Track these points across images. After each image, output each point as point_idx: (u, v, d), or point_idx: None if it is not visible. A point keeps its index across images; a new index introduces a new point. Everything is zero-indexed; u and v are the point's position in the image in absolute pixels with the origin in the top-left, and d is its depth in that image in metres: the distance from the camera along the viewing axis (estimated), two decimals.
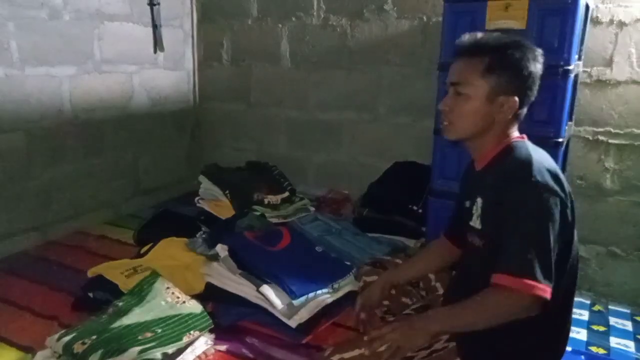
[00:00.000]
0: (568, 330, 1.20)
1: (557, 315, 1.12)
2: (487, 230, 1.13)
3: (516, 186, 1.05)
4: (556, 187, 1.04)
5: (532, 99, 1.15)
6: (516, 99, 1.11)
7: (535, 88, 1.14)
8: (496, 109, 1.12)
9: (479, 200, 1.15)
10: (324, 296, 1.59)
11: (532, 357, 1.15)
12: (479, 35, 1.16)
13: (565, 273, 1.10)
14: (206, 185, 2.35)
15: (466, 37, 1.17)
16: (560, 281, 1.06)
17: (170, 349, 1.33)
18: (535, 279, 1.00)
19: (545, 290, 1.00)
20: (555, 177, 1.06)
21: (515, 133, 1.18)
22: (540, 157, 1.09)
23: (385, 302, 1.51)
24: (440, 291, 1.45)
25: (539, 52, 1.14)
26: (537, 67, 1.12)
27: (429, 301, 1.44)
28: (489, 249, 1.11)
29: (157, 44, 2.68)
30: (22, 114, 2.09)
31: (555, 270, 1.03)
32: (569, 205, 1.07)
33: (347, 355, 1.22)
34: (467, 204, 1.24)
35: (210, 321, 1.47)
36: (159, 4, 2.62)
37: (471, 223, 1.17)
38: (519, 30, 1.66)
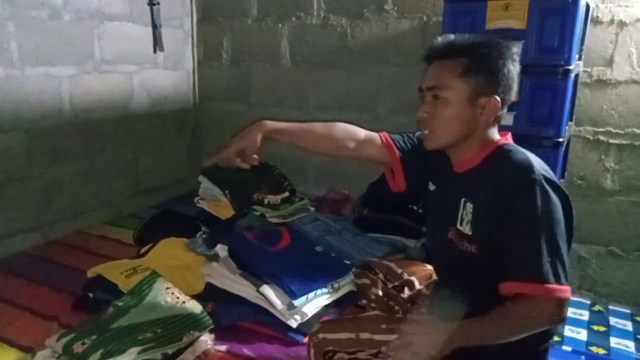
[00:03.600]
0: (553, 334, 1.17)
1: None
2: (480, 236, 1.10)
3: (520, 189, 1.02)
4: (559, 185, 1.04)
5: (512, 98, 1.12)
6: (498, 98, 1.08)
7: (514, 87, 1.11)
8: (478, 111, 1.09)
9: (469, 206, 1.11)
10: (324, 296, 1.59)
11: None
12: (452, 37, 1.13)
13: None
14: (206, 185, 2.35)
15: (439, 41, 1.13)
16: None
17: (170, 349, 1.33)
18: (558, 281, 0.97)
19: (567, 291, 0.98)
20: (553, 177, 1.05)
21: (497, 135, 1.15)
22: (537, 160, 1.07)
23: (372, 305, 1.51)
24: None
25: (515, 50, 1.11)
26: (514, 65, 1.09)
27: (414, 306, 1.44)
28: (485, 255, 1.08)
29: (157, 44, 2.68)
30: (22, 114, 2.09)
31: None
32: (570, 203, 1.06)
33: (330, 336, 1.22)
34: (432, 187, 1.24)
35: (210, 321, 1.47)
36: (158, 3, 2.62)
37: (459, 227, 1.13)
38: (519, 30, 1.66)
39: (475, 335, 1.04)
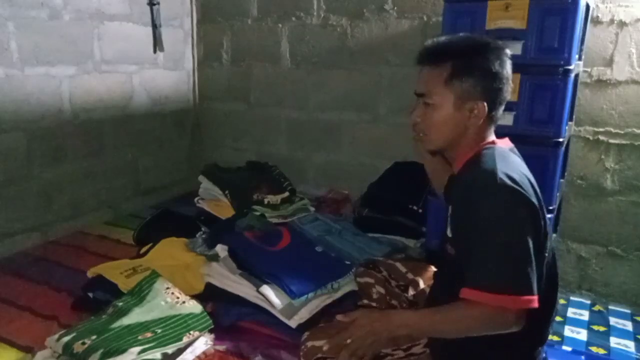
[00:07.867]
0: (545, 339, 1.17)
1: (534, 324, 1.06)
2: (455, 240, 1.11)
3: (480, 195, 1.02)
4: (523, 193, 1.01)
5: (505, 99, 1.13)
6: (484, 103, 1.09)
7: (506, 88, 1.12)
8: (466, 115, 1.10)
9: (450, 208, 1.13)
10: (324, 296, 1.59)
11: None
12: (440, 40, 1.14)
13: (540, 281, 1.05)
14: (206, 185, 2.35)
15: (428, 44, 1.14)
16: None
17: (170, 349, 1.33)
18: (515, 292, 0.97)
19: (528, 300, 0.97)
20: (520, 184, 1.02)
21: (490, 137, 1.15)
22: (506, 166, 1.05)
23: (373, 304, 1.51)
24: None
25: (504, 51, 1.11)
26: (503, 66, 1.09)
27: (416, 305, 1.44)
28: (460, 258, 1.09)
29: (157, 44, 2.68)
30: (22, 114, 2.09)
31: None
32: (540, 211, 1.04)
33: (318, 343, 1.23)
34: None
35: (210, 321, 1.47)
36: (158, 3, 2.62)
37: (447, 231, 1.15)
38: (519, 30, 1.66)
39: (419, 328, 1.08)
